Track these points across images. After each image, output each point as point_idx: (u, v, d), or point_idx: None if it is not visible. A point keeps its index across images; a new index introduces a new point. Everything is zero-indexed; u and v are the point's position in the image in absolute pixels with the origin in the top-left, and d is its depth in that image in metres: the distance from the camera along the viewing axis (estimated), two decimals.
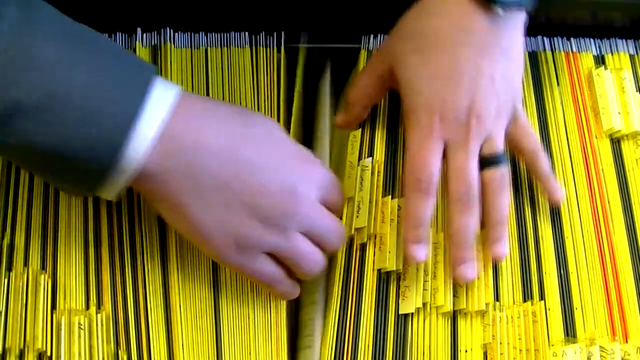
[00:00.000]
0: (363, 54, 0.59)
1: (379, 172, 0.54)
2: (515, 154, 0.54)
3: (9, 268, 0.51)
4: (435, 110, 0.49)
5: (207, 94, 0.56)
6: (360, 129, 0.56)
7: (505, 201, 0.50)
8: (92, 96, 0.40)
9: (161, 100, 0.42)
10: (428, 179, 0.49)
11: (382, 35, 0.59)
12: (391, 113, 0.56)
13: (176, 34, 0.58)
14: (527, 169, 0.55)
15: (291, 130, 0.55)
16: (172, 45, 0.58)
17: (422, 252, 0.50)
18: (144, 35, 0.58)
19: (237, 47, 0.58)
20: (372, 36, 0.59)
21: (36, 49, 0.39)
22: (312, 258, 0.48)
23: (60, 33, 0.41)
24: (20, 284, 0.50)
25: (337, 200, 0.50)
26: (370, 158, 0.54)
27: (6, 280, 0.50)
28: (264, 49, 0.58)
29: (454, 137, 0.49)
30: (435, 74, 0.49)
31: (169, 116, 0.43)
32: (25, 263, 0.51)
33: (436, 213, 0.53)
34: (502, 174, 0.50)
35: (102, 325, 0.50)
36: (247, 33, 0.58)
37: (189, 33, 0.58)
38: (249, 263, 0.47)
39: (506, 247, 0.51)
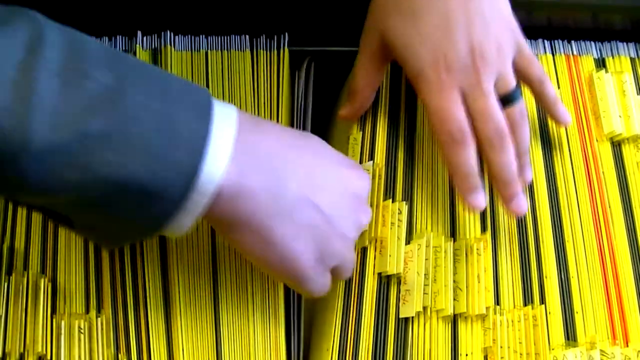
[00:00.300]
0: None
1: (379, 175, 0.54)
2: (523, 83, 0.55)
3: (9, 272, 0.51)
4: (440, 65, 0.49)
5: None
6: (360, 132, 0.56)
7: (526, 133, 0.52)
8: (158, 120, 0.38)
9: (225, 118, 0.41)
10: (460, 129, 0.49)
11: None
12: (391, 116, 0.56)
13: (176, 37, 0.58)
14: (534, 96, 0.55)
15: None
16: (173, 49, 0.58)
17: (481, 199, 0.51)
18: (144, 38, 0.58)
19: (237, 50, 0.58)
20: None
21: (93, 75, 0.37)
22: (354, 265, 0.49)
23: (110, 60, 0.38)
24: (20, 288, 0.50)
25: None
26: (371, 162, 0.54)
27: (6, 284, 0.50)
28: (264, 52, 0.58)
29: (467, 82, 0.49)
30: (428, 33, 0.50)
31: (237, 132, 0.41)
32: (25, 266, 0.51)
33: (433, 214, 0.54)
34: (520, 109, 0.51)
35: (102, 329, 0.50)
36: (247, 36, 0.58)
37: (189, 36, 0.58)
38: (319, 279, 0.45)
39: (531, 172, 0.54)
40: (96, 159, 0.36)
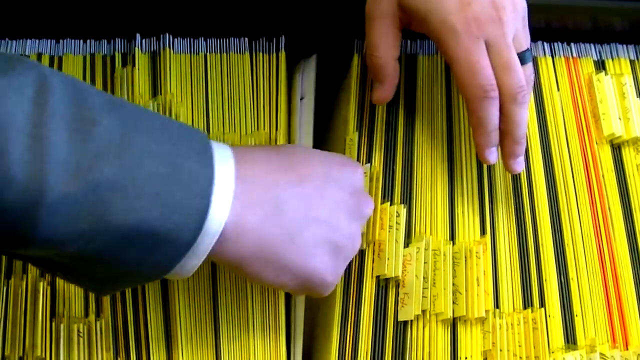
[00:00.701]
0: (356, 58, 0.58)
1: (377, 178, 0.54)
2: None
3: (8, 276, 0.51)
4: (467, 14, 0.49)
5: (207, 101, 0.56)
6: (356, 132, 0.55)
7: (529, 96, 0.52)
8: (164, 164, 0.38)
9: (224, 158, 0.41)
10: (490, 83, 0.49)
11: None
12: (389, 119, 0.56)
13: (175, 39, 0.58)
14: None
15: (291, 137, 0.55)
16: (171, 51, 0.57)
17: (496, 155, 0.52)
18: (143, 41, 0.58)
19: (237, 53, 0.58)
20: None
21: (100, 122, 0.36)
22: None
23: (111, 106, 0.38)
24: (20, 292, 0.50)
25: None
26: (369, 164, 0.54)
27: (5, 288, 0.50)
28: (264, 54, 0.58)
29: (493, 34, 0.49)
30: None
31: (236, 171, 0.41)
32: (24, 270, 0.51)
33: (432, 217, 0.53)
34: (531, 71, 0.52)
35: (101, 332, 0.50)
36: (246, 39, 0.58)
37: (188, 39, 0.58)
38: (338, 279, 0.47)
39: None
40: (108, 207, 0.36)
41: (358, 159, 0.55)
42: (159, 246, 0.39)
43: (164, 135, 0.39)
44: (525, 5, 0.52)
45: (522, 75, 0.50)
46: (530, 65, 0.52)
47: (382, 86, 0.54)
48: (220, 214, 0.40)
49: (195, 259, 0.40)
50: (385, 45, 0.53)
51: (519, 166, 0.53)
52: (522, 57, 0.51)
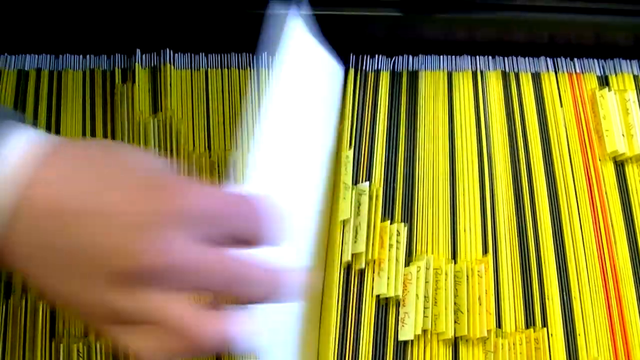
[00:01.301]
0: (351, 73, 0.58)
1: (377, 196, 0.53)
2: None
3: (7, 295, 0.51)
4: None
5: (208, 117, 0.56)
6: (351, 149, 0.55)
7: None
8: None
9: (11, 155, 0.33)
10: None
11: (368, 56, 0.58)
12: (390, 136, 0.56)
13: (176, 55, 0.58)
14: None
15: None
16: (172, 67, 0.57)
17: None
18: (144, 56, 0.58)
19: (238, 68, 0.58)
20: (368, 56, 0.59)
21: None
22: (194, 331, 0.33)
23: None
24: (19, 311, 0.50)
25: (257, 230, 0.35)
26: (368, 182, 0.54)
27: (4, 307, 0.50)
28: (266, 70, 0.58)
29: None
30: None
31: (22, 174, 0.33)
32: (24, 289, 0.51)
33: (433, 236, 0.53)
34: None
35: (101, 352, 0.50)
36: (247, 54, 0.58)
37: (188, 54, 0.58)
38: (122, 337, 0.34)
39: None
40: None
41: (358, 176, 0.54)
42: None
43: None
44: None
45: None
46: None
47: None
48: None
49: None
50: None
51: None
52: None
